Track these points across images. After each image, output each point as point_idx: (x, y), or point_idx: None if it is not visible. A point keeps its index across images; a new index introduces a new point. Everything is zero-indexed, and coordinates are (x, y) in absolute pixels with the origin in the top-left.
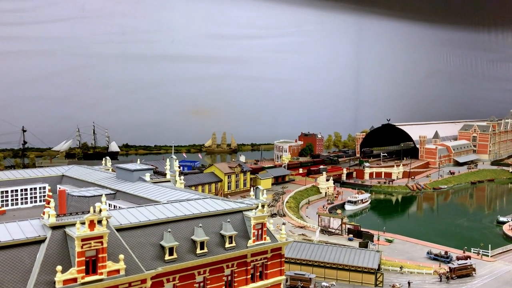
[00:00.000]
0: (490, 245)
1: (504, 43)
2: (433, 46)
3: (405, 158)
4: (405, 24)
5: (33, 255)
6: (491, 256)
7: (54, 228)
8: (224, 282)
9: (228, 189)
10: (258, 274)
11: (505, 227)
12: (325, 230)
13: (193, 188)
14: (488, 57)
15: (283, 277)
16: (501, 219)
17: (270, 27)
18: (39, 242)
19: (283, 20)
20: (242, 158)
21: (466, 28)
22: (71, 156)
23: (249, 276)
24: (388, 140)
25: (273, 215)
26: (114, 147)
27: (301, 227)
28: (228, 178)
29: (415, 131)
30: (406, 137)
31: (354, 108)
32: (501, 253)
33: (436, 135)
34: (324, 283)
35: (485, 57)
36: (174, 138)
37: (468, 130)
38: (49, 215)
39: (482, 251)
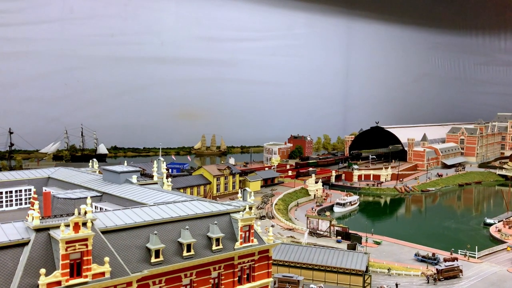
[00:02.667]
0: (477, 247)
1: (491, 46)
2: (421, 50)
3: (393, 161)
4: (394, 28)
5: (16, 258)
6: (478, 258)
7: (38, 230)
8: (211, 285)
9: (217, 192)
10: (246, 276)
11: (492, 229)
12: (313, 232)
13: (182, 190)
14: (476, 61)
15: (271, 279)
16: (488, 221)
17: (260, 30)
18: (22, 244)
19: (273, 23)
20: (232, 161)
21: (454, 32)
22: (58, 158)
23: (236, 279)
24: (376, 143)
25: (262, 218)
26: (102, 149)
27: (290, 229)
28: (217, 180)
29: (403, 134)
30: (395, 139)
31: (343, 111)
32: (487, 254)
33: (424, 138)
34: (312, 285)
35: (473, 60)
36: (164, 141)
37: (456, 132)
38: (33, 217)
39: (469, 253)
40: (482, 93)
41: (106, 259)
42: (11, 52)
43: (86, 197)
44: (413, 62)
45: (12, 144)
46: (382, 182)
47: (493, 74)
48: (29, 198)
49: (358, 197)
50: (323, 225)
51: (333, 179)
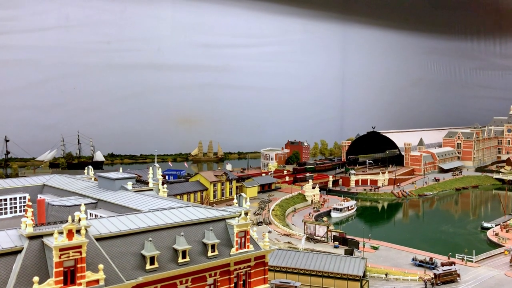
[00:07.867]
0: (474, 251)
1: (487, 51)
2: (417, 55)
3: (390, 165)
4: (390, 33)
5: (9, 266)
6: (475, 262)
7: (31, 238)
8: None
9: (213, 198)
10: (242, 282)
11: (489, 233)
12: (311, 238)
13: (178, 197)
14: (472, 65)
15: (267, 285)
16: (485, 225)
17: (256, 36)
18: (15, 252)
19: (268, 29)
20: (229, 167)
21: (450, 36)
22: (55, 166)
23: (232, 285)
24: (373, 148)
25: (259, 223)
26: (99, 156)
27: (287, 235)
28: (213, 186)
29: (400, 139)
30: (391, 144)
31: (340, 116)
32: (485, 258)
33: (421, 142)
34: None
35: (469, 65)
36: (160, 147)
37: (453, 137)
38: (26, 224)
39: (467, 257)
40: (478, 97)
41: (101, 266)
42: (7, 59)
43: (81, 204)
44: (409, 67)
45: (8, 152)
46: (379, 187)
47: (489, 79)
48: (24, 206)
49: (356, 202)
50: (321, 231)
51: (330, 185)
